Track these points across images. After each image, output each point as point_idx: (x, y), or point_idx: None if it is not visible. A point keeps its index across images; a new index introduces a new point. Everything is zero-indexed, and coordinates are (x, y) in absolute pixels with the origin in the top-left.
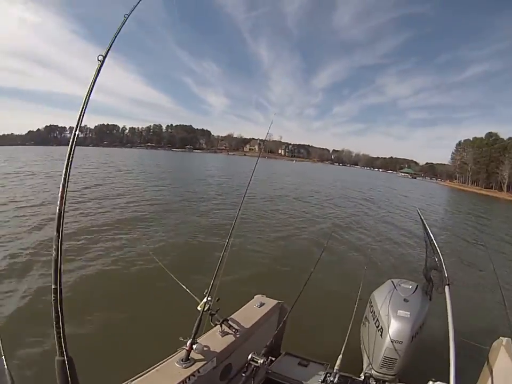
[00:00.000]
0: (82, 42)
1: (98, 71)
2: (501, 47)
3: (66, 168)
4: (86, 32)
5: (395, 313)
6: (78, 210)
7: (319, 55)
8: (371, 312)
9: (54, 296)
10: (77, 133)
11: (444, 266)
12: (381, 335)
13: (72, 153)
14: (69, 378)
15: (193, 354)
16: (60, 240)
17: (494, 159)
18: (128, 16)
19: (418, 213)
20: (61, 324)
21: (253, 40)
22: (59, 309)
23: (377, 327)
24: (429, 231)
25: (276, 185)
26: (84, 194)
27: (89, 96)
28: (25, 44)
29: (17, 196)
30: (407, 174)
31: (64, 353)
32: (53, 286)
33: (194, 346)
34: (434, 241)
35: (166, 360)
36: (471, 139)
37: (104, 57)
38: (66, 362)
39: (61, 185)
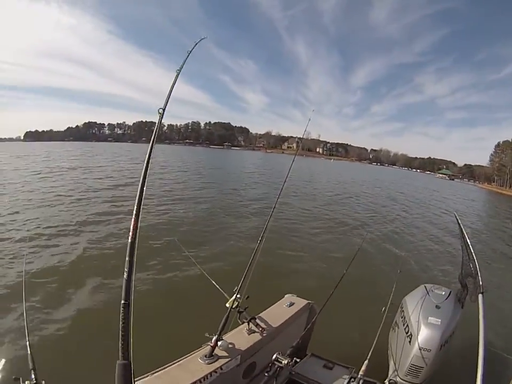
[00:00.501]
0: (117, 42)
1: (159, 122)
2: None
3: (141, 192)
4: (120, 32)
5: (426, 320)
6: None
7: (356, 52)
8: (401, 318)
9: (123, 304)
10: (151, 150)
11: (479, 273)
12: (410, 342)
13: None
14: (132, 381)
15: (217, 351)
16: (131, 264)
17: None
18: (180, 71)
19: (456, 218)
20: (128, 329)
21: (289, 38)
22: (128, 313)
23: (407, 333)
24: (466, 237)
25: (313, 185)
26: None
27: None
28: (62, 45)
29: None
30: (445, 176)
31: (128, 357)
32: (122, 301)
33: (219, 343)
34: (471, 247)
35: (189, 355)
36: (510, 140)
37: (164, 110)
38: (131, 365)
39: (135, 207)
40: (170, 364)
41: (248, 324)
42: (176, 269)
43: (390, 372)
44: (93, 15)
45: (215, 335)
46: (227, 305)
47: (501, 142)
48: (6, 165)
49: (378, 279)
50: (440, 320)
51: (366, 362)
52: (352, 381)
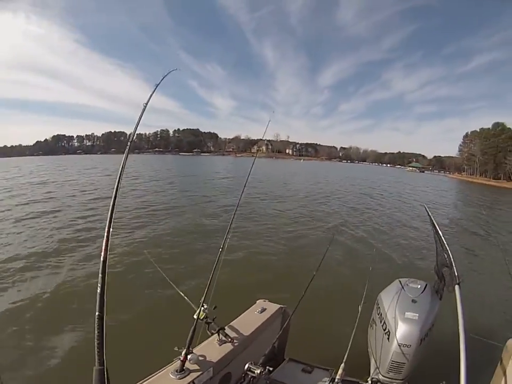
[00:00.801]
0: (84, 51)
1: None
2: (510, 35)
3: (114, 199)
4: (88, 41)
5: (402, 315)
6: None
7: (324, 53)
8: (378, 314)
9: (97, 316)
10: (125, 161)
11: (453, 264)
12: (388, 339)
13: (118, 182)
14: None
15: (188, 365)
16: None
17: (502, 149)
18: (146, 105)
19: (426, 209)
20: (102, 335)
21: (257, 41)
22: (102, 324)
23: (384, 330)
24: (438, 228)
25: (280, 185)
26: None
27: (133, 136)
28: (30, 55)
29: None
30: (415, 169)
31: (104, 363)
32: (97, 312)
33: (189, 357)
34: (443, 238)
35: (159, 372)
36: (478, 130)
37: (131, 142)
38: (105, 371)
39: (110, 208)
40: (141, 381)
41: (218, 335)
42: (147, 283)
43: (372, 370)
44: (60, 25)
45: (184, 349)
46: (195, 316)
47: (469, 133)
48: None
49: (351, 277)
50: (417, 314)
51: (344, 362)
52: (333, 382)
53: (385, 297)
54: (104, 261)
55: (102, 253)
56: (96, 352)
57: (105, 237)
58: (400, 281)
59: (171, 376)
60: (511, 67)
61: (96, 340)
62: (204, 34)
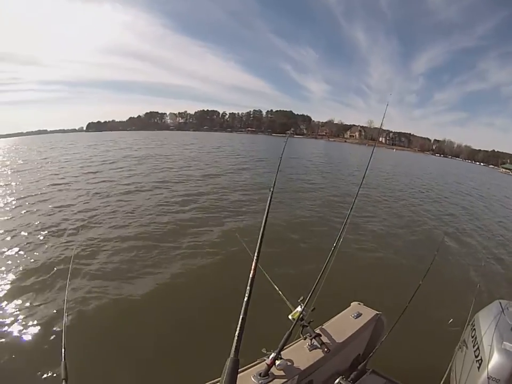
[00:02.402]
0: (175, 36)
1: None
2: None
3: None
4: (176, 25)
5: (500, 344)
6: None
7: (415, 37)
8: (472, 337)
9: (242, 317)
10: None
11: None
12: (479, 368)
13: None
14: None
15: (274, 370)
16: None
17: None
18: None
19: None
20: (241, 333)
21: (348, 24)
22: (243, 324)
23: (477, 356)
24: None
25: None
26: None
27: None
28: (119, 40)
29: None
30: (509, 171)
31: (238, 355)
32: (241, 316)
33: (277, 362)
34: None
35: (243, 371)
36: None
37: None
38: (238, 361)
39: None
40: (216, 379)
41: (311, 340)
42: (240, 271)
43: None
44: (146, 12)
45: (273, 352)
46: (290, 317)
47: None
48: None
49: (453, 291)
50: None
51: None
52: None
53: (483, 319)
54: (253, 278)
55: (251, 272)
56: (234, 344)
57: (254, 258)
58: (500, 303)
59: (253, 380)
60: None
61: (236, 335)
62: (294, 18)
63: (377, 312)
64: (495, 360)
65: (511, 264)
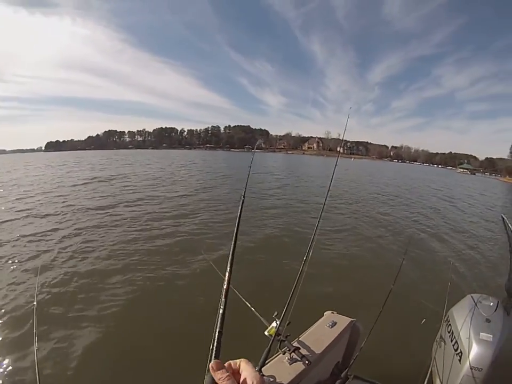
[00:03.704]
0: (132, 50)
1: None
2: None
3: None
4: (135, 40)
5: (477, 336)
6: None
7: (372, 48)
8: (448, 332)
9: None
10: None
11: None
12: (460, 361)
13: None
14: None
15: None
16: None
17: None
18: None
19: (504, 220)
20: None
21: (304, 37)
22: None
23: (456, 350)
24: None
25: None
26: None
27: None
28: (78, 55)
29: None
30: (466, 170)
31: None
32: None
33: None
34: None
35: None
36: None
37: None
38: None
39: None
40: None
41: (290, 354)
42: (208, 291)
43: None
44: (105, 26)
45: None
46: (266, 333)
47: None
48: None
49: (425, 291)
50: (491, 335)
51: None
52: None
53: (458, 314)
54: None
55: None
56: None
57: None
58: (472, 297)
59: None
60: None
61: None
62: (251, 32)
63: (352, 319)
64: (475, 351)
65: (478, 259)
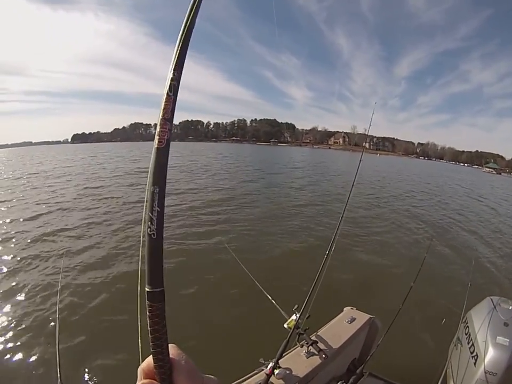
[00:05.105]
0: (156, 44)
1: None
2: None
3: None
4: (159, 34)
5: (494, 339)
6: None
7: (397, 41)
8: (466, 334)
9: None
10: None
11: None
12: (475, 364)
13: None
14: None
15: (273, 379)
16: None
17: None
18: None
19: None
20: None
21: (329, 30)
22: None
23: (472, 353)
24: None
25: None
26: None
27: None
28: (102, 50)
29: None
30: (492, 170)
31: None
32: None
33: (276, 372)
34: None
35: (241, 382)
36: None
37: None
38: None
39: None
40: None
41: (308, 347)
42: (228, 281)
43: None
44: (129, 21)
45: (271, 361)
46: (285, 326)
47: None
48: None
49: (444, 291)
50: (508, 340)
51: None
52: None
53: (476, 316)
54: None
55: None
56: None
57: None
58: (491, 300)
59: None
60: None
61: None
62: (276, 25)
63: (371, 316)
64: (490, 355)
65: (500, 262)
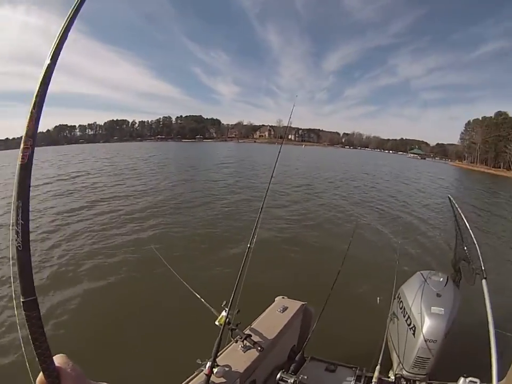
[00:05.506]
0: (86, 40)
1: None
2: None
3: None
4: (88, 29)
5: (428, 310)
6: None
7: (329, 37)
8: (400, 309)
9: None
10: None
11: (480, 258)
12: (414, 334)
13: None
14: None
15: (214, 379)
16: None
17: (503, 138)
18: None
19: (450, 201)
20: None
21: (261, 26)
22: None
23: (409, 325)
24: (465, 221)
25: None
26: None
27: None
28: (30, 46)
29: None
30: (417, 155)
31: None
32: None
33: (215, 370)
34: (471, 231)
35: None
36: (481, 118)
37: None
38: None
39: None
40: None
41: (243, 341)
42: (156, 284)
43: (395, 365)
44: (59, 15)
45: (208, 361)
46: (216, 323)
47: (471, 121)
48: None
49: (374, 271)
50: (443, 309)
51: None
52: (358, 381)
53: (408, 291)
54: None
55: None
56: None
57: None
58: (422, 274)
59: None
60: None
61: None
62: (208, 21)
63: (303, 303)
64: (427, 324)
65: (424, 238)
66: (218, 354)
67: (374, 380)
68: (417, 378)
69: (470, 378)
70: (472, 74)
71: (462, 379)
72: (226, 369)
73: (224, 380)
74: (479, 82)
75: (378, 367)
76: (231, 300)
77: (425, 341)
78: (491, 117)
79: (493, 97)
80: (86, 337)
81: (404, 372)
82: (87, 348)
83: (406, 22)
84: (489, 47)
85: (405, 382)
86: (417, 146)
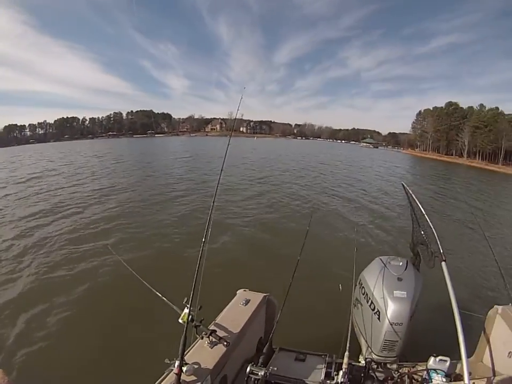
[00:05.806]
0: (33, 34)
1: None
2: (471, 20)
3: None
4: (37, 23)
5: (391, 294)
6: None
7: (280, 30)
8: (363, 294)
9: None
10: None
11: (438, 241)
12: (379, 319)
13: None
14: None
15: (184, 377)
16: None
17: (454, 127)
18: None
19: (404, 187)
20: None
21: (211, 19)
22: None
23: (373, 310)
24: (420, 206)
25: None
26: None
27: None
28: None
29: None
30: (369, 144)
31: None
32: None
33: (184, 369)
34: (426, 216)
35: None
36: (431, 108)
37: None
38: None
39: None
40: None
41: (209, 337)
42: (115, 285)
43: (364, 350)
44: (7, 6)
45: (176, 360)
46: (180, 321)
47: (422, 110)
48: None
49: (333, 259)
50: (405, 292)
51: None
52: (329, 368)
53: (369, 276)
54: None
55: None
56: None
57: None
58: (381, 260)
59: None
60: (467, 50)
61: None
62: (157, 13)
63: (265, 294)
64: (392, 308)
65: (381, 224)
66: (186, 352)
67: (344, 365)
68: (387, 361)
69: (440, 357)
70: (423, 67)
71: (432, 358)
72: (196, 366)
73: (195, 378)
74: (430, 74)
75: (347, 353)
76: (191, 296)
77: (391, 324)
78: (442, 107)
79: (444, 89)
80: (40, 347)
81: (374, 356)
82: (39, 358)
83: (358, 15)
84: (440, 41)
85: (375, 366)
86: (369, 136)
